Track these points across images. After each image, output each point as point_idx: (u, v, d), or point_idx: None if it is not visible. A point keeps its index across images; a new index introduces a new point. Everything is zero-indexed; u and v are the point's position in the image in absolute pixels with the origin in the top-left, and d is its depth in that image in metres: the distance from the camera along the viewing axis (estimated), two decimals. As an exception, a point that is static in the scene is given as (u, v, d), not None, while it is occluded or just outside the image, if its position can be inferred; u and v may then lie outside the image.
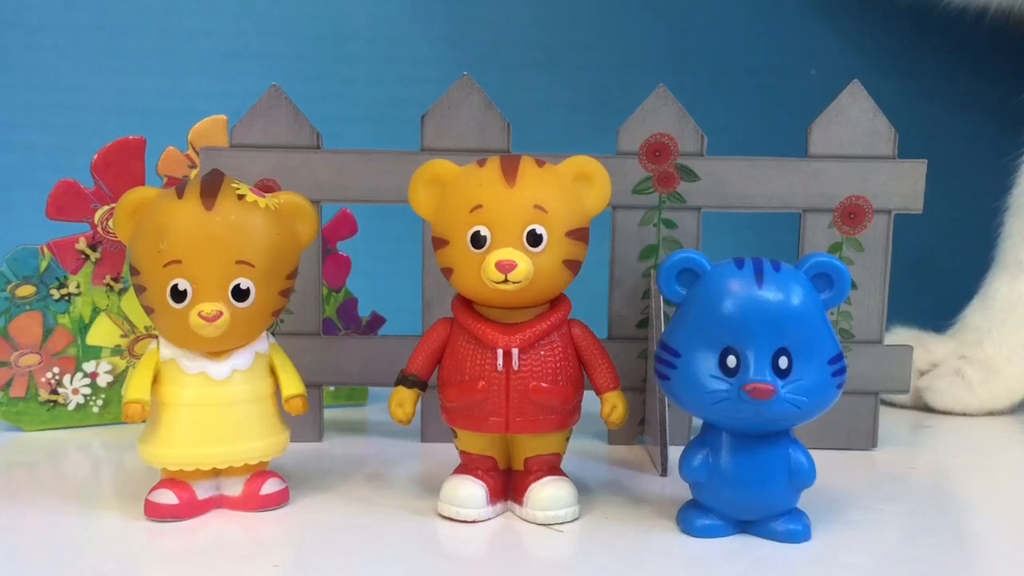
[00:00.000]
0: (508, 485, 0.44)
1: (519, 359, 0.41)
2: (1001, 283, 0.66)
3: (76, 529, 0.41)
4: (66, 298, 0.56)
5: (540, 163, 0.42)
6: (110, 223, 0.56)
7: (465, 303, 0.43)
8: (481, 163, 0.42)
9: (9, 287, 0.55)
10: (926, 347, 0.66)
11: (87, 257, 0.56)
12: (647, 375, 0.54)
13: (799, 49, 0.82)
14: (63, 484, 0.47)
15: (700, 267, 0.39)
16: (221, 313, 0.40)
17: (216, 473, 0.43)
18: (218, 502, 0.43)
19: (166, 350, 0.42)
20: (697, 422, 0.42)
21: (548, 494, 0.42)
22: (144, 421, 0.42)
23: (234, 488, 0.43)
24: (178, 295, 0.40)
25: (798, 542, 0.40)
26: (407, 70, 0.81)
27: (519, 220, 0.40)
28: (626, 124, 0.53)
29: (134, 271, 0.41)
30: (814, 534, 0.41)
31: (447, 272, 0.42)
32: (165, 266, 0.40)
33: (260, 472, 0.44)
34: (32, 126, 0.79)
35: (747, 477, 0.40)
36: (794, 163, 0.53)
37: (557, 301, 0.43)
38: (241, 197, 0.41)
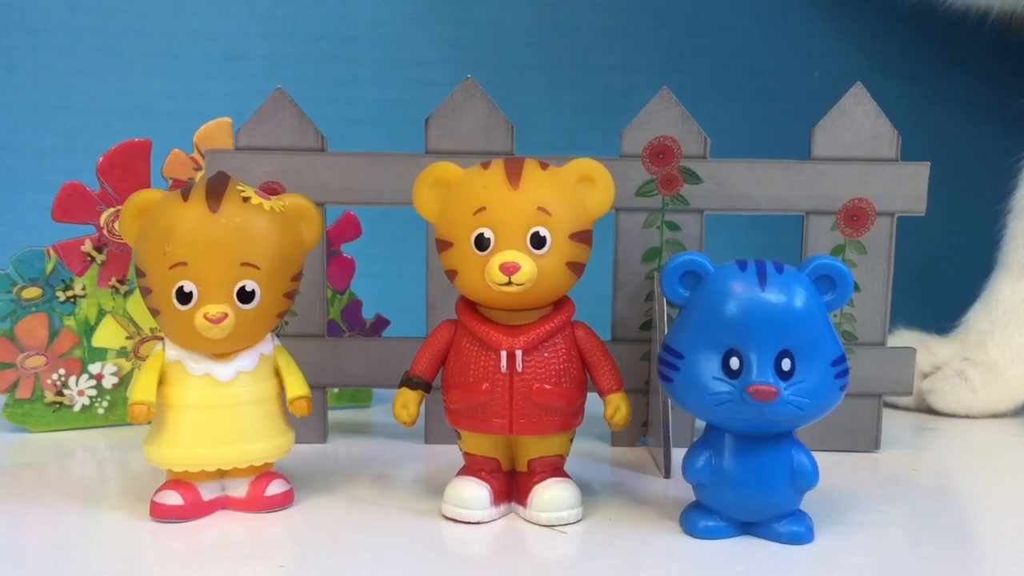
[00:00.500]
0: (512, 486, 0.44)
1: (523, 361, 0.41)
2: (1004, 285, 0.66)
3: (82, 530, 0.41)
4: (72, 300, 0.56)
5: (544, 165, 0.42)
6: (116, 225, 0.56)
7: (469, 305, 0.43)
8: (485, 165, 0.42)
9: (15, 289, 0.55)
10: (929, 349, 0.66)
11: (93, 259, 0.56)
12: (650, 377, 0.54)
13: (802, 51, 0.82)
14: (69, 485, 0.47)
15: (703, 269, 0.40)
16: (226, 315, 0.40)
17: (221, 474, 0.43)
18: (223, 503, 0.43)
19: (171, 352, 0.42)
20: (700, 424, 0.42)
21: (551, 496, 0.42)
22: (149, 422, 0.42)
23: (239, 489, 0.43)
24: (184, 297, 0.40)
25: (801, 544, 0.40)
26: (411, 72, 0.81)
27: (523, 222, 0.40)
28: (629, 127, 0.53)
29: (140, 273, 0.42)
30: (817, 536, 0.41)
31: (451, 274, 0.42)
32: (171, 268, 0.40)
33: (265, 473, 0.44)
34: (37, 128, 0.80)
35: (750, 479, 0.40)
36: (797, 165, 0.53)
37: (561, 303, 0.43)
38: (246, 199, 0.41)
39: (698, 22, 0.82)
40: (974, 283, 0.68)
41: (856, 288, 0.52)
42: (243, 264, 0.41)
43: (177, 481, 0.42)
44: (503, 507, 0.43)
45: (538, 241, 0.40)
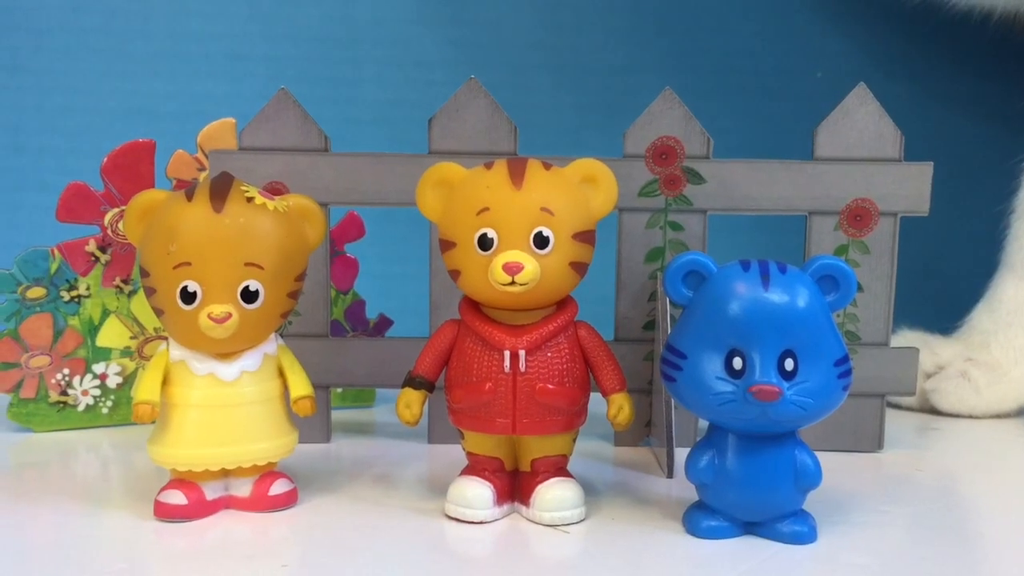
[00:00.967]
0: (515, 486, 0.44)
1: (526, 361, 0.41)
2: (1008, 286, 0.66)
3: (86, 529, 0.41)
4: (76, 300, 0.56)
5: (547, 166, 0.42)
6: (120, 225, 0.56)
7: (472, 305, 0.43)
8: (488, 166, 0.42)
9: (20, 289, 0.55)
10: (932, 349, 0.66)
11: (97, 259, 0.56)
12: (653, 377, 0.54)
13: (805, 52, 0.82)
14: (73, 484, 0.47)
15: (706, 269, 0.40)
16: (230, 315, 0.40)
17: (225, 474, 0.43)
18: (227, 502, 0.43)
19: (175, 351, 0.42)
20: (703, 424, 0.42)
21: (554, 495, 0.42)
22: (153, 422, 0.42)
23: (243, 489, 0.43)
24: (188, 297, 0.40)
25: (804, 543, 0.40)
26: (414, 73, 0.81)
27: (526, 222, 0.40)
28: (632, 127, 0.53)
29: (144, 273, 0.42)
30: (820, 536, 0.41)
31: (454, 274, 0.42)
32: (175, 268, 0.40)
33: (268, 473, 0.44)
34: (42, 129, 0.80)
35: (753, 479, 0.40)
36: (800, 166, 0.53)
37: (564, 303, 0.43)
38: (250, 200, 0.41)
39: (701, 23, 0.82)
40: (977, 283, 0.68)
41: (859, 288, 0.52)
42: (247, 264, 0.41)
43: (181, 480, 0.43)
44: (506, 507, 0.43)
45: (541, 241, 0.40)
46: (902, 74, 0.81)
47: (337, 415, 0.59)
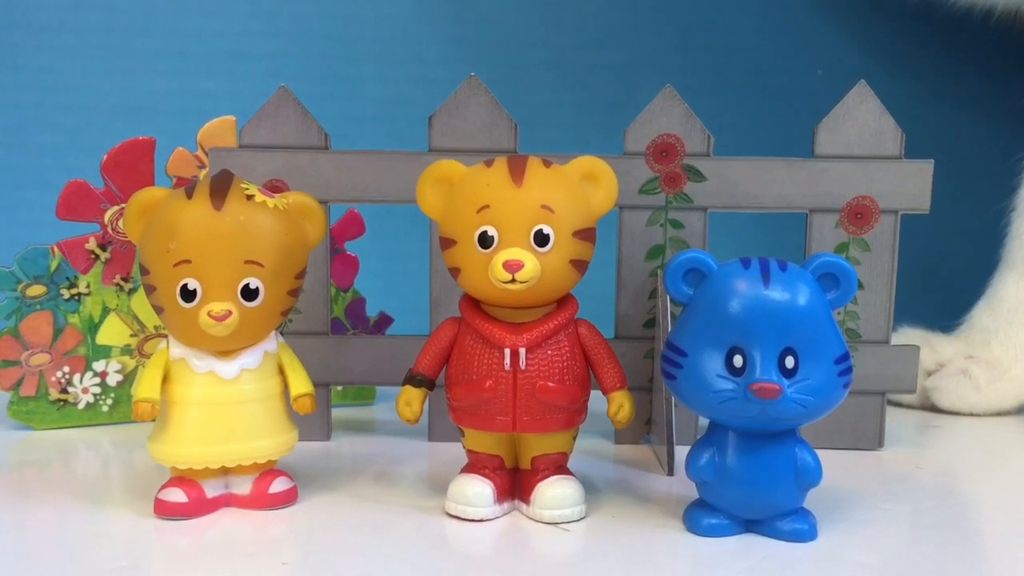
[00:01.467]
0: (515, 484, 0.44)
1: (526, 358, 0.41)
2: (1009, 283, 0.66)
3: (86, 527, 0.41)
4: (76, 298, 0.56)
5: (547, 163, 0.42)
6: (120, 223, 0.56)
7: (472, 303, 0.43)
8: (488, 163, 0.42)
9: (20, 287, 0.55)
10: (933, 347, 0.66)
11: (97, 257, 0.56)
12: (654, 375, 0.54)
13: (806, 49, 0.82)
14: (73, 482, 0.47)
15: (707, 267, 0.40)
16: (230, 312, 0.40)
17: (225, 471, 0.43)
18: (227, 500, 0.43)
19: (176, 349, 0.42)
20: (703, 421, 0.42)
21: (555, 493, 0.42)
22: (154, 420, 0.42)
23: (243, 486, 0.43)
24: (188, 295, 0.40)
25: (804, 541, 0.40)
26: (414, 70, 0.81)
27: (526, 220, 0.40)
28: (633, 124, 0.53)
29: (144, 271, 0.42)
30: (820, 533, 0.41)
31: (454, 272, 0.42)
32: (175, 266, 0.40)
33: (268, 471, 0.44)
34: (42, 126, 0.80)
35: (753, 476, 0.40)
36: (801, 163, 0.53)
37: (564, 301, 0.43)
38: (250, 197, 0.41)
39: (702, 20, 0.82)
40: (978, 281, 0.68)
41: (860, 286, 0.52)
42: (247, 262, 0.41)
43: (181, 478, 0.43)
44: (506, 504, 0.43)
45: (541, 239, 0.40)
46: (903, 72, 0.81)
47: (337, 413, 0.59)
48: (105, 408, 0.58)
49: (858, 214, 0.53)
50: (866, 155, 0.52)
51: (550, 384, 0.41)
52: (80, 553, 0.39)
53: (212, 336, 0.41)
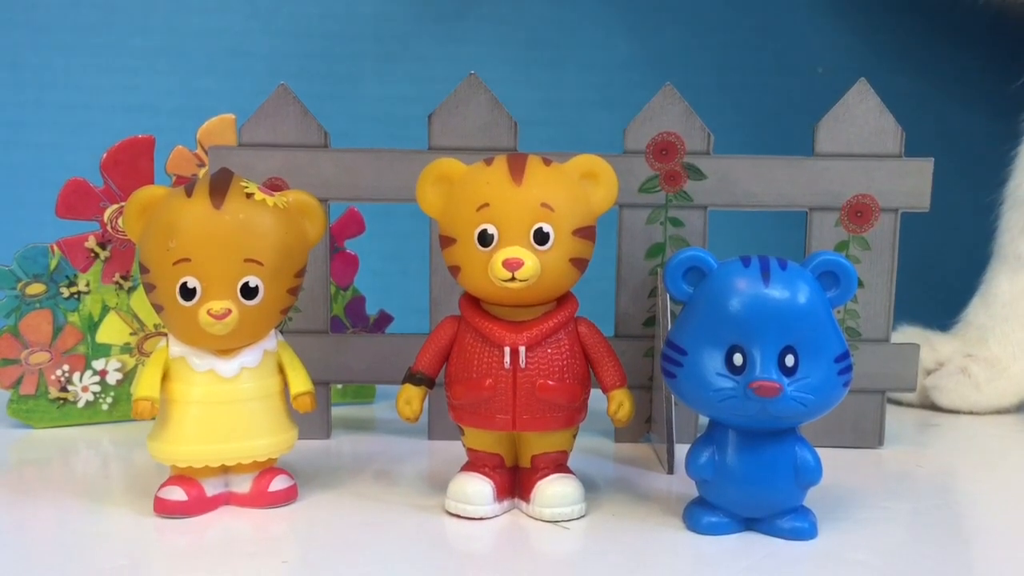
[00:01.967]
0: (515, 482, 0.44)
1: (526, 357, 0.41)
2: (1002, 279, 0.65)
3: (86, 525, 0.41)
4: (76, 296, 0.56)
5: (547, 162, 0.42)
6: (119, 221, 0.56)
7: (472, 301, 0.43)
8: (488, 162, 0.42)
9: (19, 285, 0.55)
10: (932, 346, 0.66)
11: (96, 255, 0.56)
12: (654, 373, 0.54)
13: (805, 48, 0.82)
14: (73, 481, 0.47)
15: (707, 265, 0.40)
16: (230, 311, 0.40)
17: (225, 470, 0.43)
18: (227, 499, 0.43)
19: (175, 348, 0.42)
20: (703, 420, 0.42)
21: (555, 491, 0.42)
22: (153, 418, 0.42)
23: (243, 485, 0.43)
24: (187, 293, 0.40)
25: (804, 540, 0.40)
26: (414, 69, 0.81)
27: (526, 218, 0.40)
28: (633, 123, 0.53)
29: (143, 269, 0.42)
30: (820, 532, 0.41)
31: (454, 270, 0.42)
32: (174, 264, 0.40)
33: (268, 469, 0.44)
34: (41, 125, 0.80)
35: (753, 475, 0.40)
36: (801, 161, 0.53)
37: (564, 299, 0.43)
38: (250, 196, 0.41)
39: (701, 18, 0.82)
40: (978, 279, 0.68)
41: (860, 284, 0.52)
42: (247, 260, 0.41)
43: (181, 477, 0.43)
44: (506, 503, 0.43)
45: (541, 237, 0.40)
46: (903, 70, 0.81)
47: (337, 411, 0.59)
48: (105, 407, 0.58)
49: (858, 212, 0.53)
50: (866, 153, 0.52)
51: (550, 382, 0.41)
52: (80, 552, 0.39)
53: (212, 334, 0.41)
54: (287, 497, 0.44)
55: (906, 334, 0.66)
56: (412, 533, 0.41)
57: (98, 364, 0.57)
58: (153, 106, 0.79)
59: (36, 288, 0.56)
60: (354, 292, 0.63)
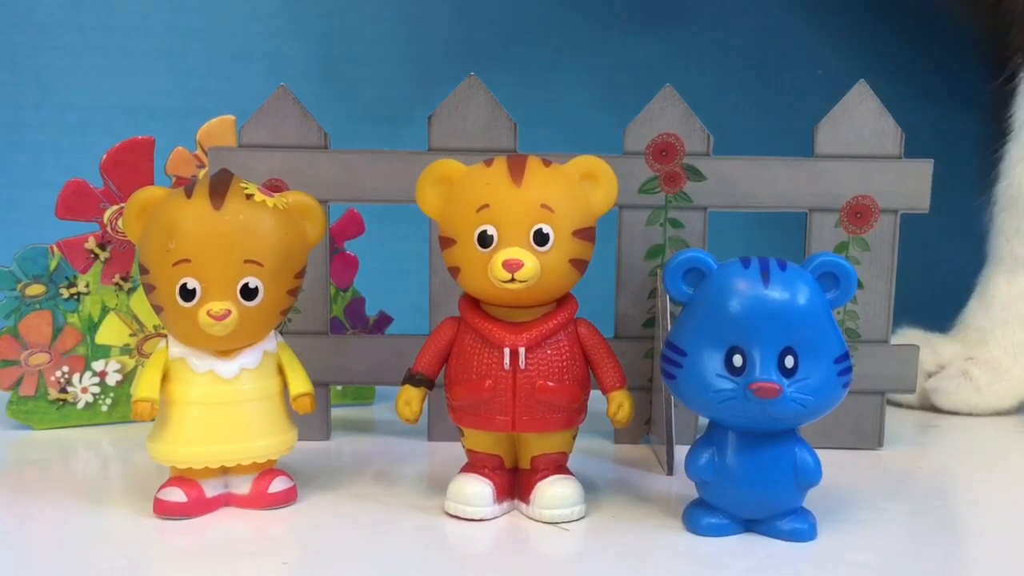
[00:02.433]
0: (515, 483, 0.44)
1: (526, 358, 0.41)
2: (999, 280, 0.65)
3: (86, 526, 0.41)
4: (75, 297, 0.56)
5: (547, 163, 0.42)
6: (119, 223, 0.56)
7: (472, 302, 0.43)
8: (488, 163, 0.42)
9: (19, 286, 0.55)
10: (932, 348, 0.66)
11: (96, 256, 0.56)
12: (653, 374, 0.54)
13: (805, 49, 0.82)
14: (73, 482, 0.47)
15: (706, 266, 0.40)
16: (230, 312, 0.40)
17: (224, 471, 0.43)
18: (226, 500, 0.43)
19: (175, 349, 0.42)
20: (703, 421, 0.42)
21: (554, 493, 0.42)
22: (153, 419, 0.42)
23: (242, 486, 0.43)
24: (187, 294, 0.40)
25: (804, 541, 0.40)
26: (414, 70, 0.81)
27: (526, 219, 0.40)
28: (633, 124, 0.53)
29: (143, 270, 0.42)
30: (820, 533, 0.41)
31: (454, 271, 0.42)
32: (174, 265, 0.40)
33: (268, 470, 0.44)
34: (41, 126, 0.80)
35: (753, 476, 0.40)
36: (800, 163, 0.53)
37: (563, 300, 0.43)
38: (249, 197, 0.41)
39: (701, 20, 0.82)
40: (977, 280, 0.68)
41: (860, 285, 0.52)
42: (246, 261, 0.41)
43: (181, 478, 0.43)
44: (506, 504, 0.43)
45: (541, 238, 0.40)
46: (903, 71, 0.81)
47: (337, 412, 0.59)
48: (104, 408, 0.58)
49: (858, 213, 0.53)
50: (866, 154, 0.52)
51: (550, 384, 0.41)
52: (80, 553, 0.39)
53: (211, 335, 0.41)
54: (287, 498, 0.44)
55: (906, 336, 0.66)
56: (412, 534, 0.41)
57: (98, 365, 0.57)
58: (153, 107, 0.79)
59: (36, 289, 0.56)
60: (354, 293, 0.63)
